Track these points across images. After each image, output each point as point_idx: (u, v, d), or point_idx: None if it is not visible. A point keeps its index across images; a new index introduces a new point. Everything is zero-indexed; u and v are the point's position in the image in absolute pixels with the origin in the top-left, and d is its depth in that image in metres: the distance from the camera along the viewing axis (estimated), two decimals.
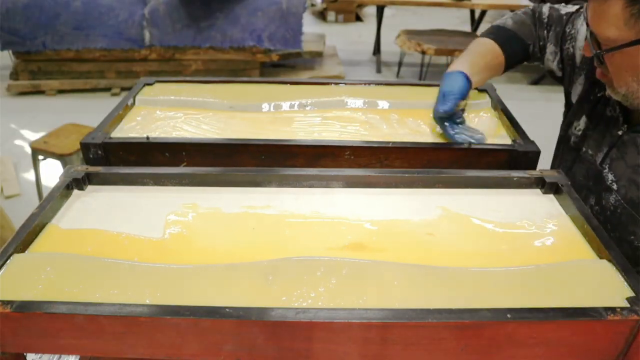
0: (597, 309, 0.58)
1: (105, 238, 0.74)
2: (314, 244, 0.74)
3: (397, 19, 6.72)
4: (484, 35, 1.14)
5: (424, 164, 0.95)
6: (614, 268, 0.67)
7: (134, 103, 1.11)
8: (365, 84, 1.22)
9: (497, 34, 1.12)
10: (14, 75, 4.20)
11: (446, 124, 0.99)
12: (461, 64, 1.05)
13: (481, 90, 1.18)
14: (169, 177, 0.86)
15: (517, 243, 0.74)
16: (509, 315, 0.58)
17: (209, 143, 0.95)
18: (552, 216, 0.80)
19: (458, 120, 1.00)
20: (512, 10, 6.50)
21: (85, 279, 0.64)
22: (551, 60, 1.11)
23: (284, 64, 4.62)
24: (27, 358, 0.73)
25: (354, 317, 0.58)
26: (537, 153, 0.94)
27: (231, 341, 0.60)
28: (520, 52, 1.12)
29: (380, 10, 4.97)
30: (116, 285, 0.64)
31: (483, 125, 1.05)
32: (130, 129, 1.02)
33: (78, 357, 0.86)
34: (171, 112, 1.08)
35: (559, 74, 1.11)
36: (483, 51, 1.10)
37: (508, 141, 0.99)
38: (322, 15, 6.92)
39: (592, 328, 0.58)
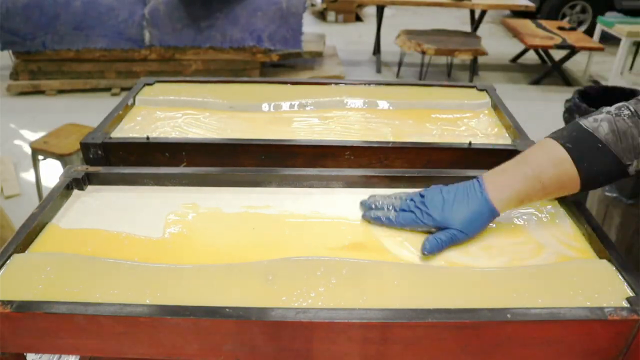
0: (597, 309, 0.59)
1: (105, 238, 0.74)
2: (314, 244, 0.74)
3: (397, 19, 6.72)
4: (556, 136, 0.73)
5: (424, 164, 0.95)
6: (614, 268, 0.67)
7: (134, 103, 1.11)
8: (365, 84, 1.21)
9: (577, 142, 0.71)
10: (14, 75, 4.20)
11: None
12: (501, 188, 0.73)
13: (481, 90, 1.18)
14: (169, 177, 0.86)
15: (517, 243, 0.74)
16: (509, 315, 0.58)
17: (209, 143, 0.95)
18: (553, 216, 0.80)
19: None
20: (513, 11, 6.49)
21: (85, 279, 0.64)
22: None
23: (284, 64, 4.63)
24: (27, 358, 0.73)
25: (354, 317, 0.58)
26: None
27: (231, 341, 0.60)
28: (608, 172, 0.72)
29: (380, 10, 4.97)
30: (116, 285, 0.64)
31: (483, 125, 1.05)
32: (130, 129, 1.02)
33: (78, 357, 0.86)
34: (171, 112, 1.08)
35: None
36: (545, 175, 0.71)
37: (508, 141, 0.99)
38: (322, 15, 6.92)
39: (592, 328, 0.58)
